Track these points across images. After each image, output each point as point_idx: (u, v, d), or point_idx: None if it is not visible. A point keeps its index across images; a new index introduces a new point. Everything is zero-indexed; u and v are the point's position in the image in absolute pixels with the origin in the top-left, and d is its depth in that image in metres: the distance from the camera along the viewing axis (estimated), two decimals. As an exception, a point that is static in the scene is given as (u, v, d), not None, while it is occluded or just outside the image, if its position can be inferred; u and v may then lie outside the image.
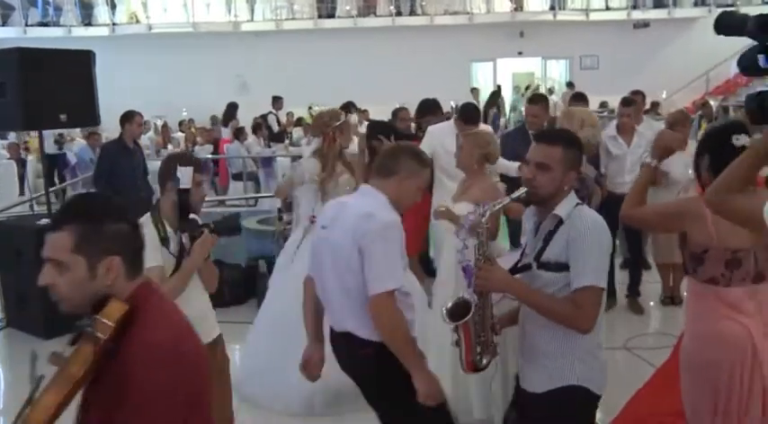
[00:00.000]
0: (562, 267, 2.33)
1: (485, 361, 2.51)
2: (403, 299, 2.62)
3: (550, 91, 17.20)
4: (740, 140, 2.56)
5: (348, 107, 7.81)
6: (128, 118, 6.04)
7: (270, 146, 12.38)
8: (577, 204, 2.41)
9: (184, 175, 2.83)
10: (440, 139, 5.25)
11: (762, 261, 2.55)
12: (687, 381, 2.71)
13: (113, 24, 17.29)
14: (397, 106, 7.32)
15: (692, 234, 2.61)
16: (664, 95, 16.76)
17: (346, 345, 2.70)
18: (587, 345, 2.38)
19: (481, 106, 15.86)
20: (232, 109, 13.99)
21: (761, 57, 1.92)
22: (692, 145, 5.63)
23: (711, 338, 2.58)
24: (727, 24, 2.08)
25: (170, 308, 1.73)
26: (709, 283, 2.59)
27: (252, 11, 17.94)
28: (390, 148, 2.95)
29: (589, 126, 4.01)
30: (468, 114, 5.23)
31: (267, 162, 11.40)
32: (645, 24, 18.22)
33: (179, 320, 1.69)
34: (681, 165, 5.46)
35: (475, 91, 16.94)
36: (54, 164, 11.34)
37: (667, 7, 18.29)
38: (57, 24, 17.21)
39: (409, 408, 2.60)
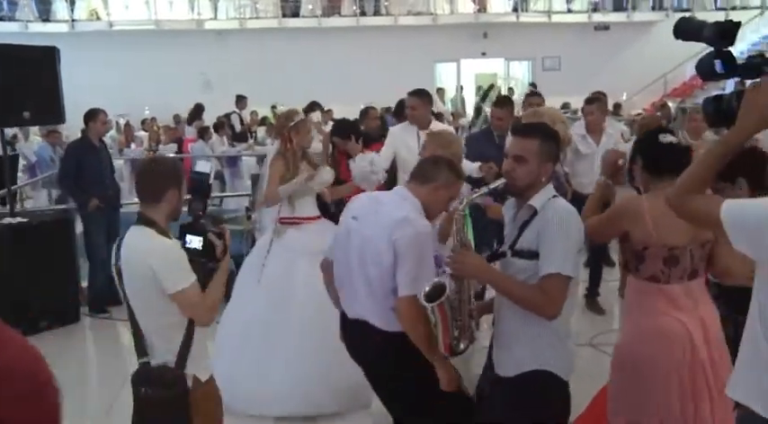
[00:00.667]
0: (534, 255, 2.42)
1: (462, 346, 2.61)
2: None
3: (510, 90, 17.38)
4: (666, 138, 2.73)
5: (312, 106, 7.82)
6: (92, 116, 5.97)
7: (234, 146, 12.31)
8: (554, 196, 2.50)
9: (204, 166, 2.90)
10: (402, 139, 5.29)
11: (697, 259, 2.68)
12: (622, 380, 2.75)
13: (73, 21, 16.97)
14: (362, 106, 7.36)
15: (633, 233, 2.69)
16: (624, 97, 17.11)
17: (360, 332, 2.83)
18: (557, 331, 2.47)
19: (445, 106, 15.99)
20: (198, 109, 13.88)
21: (717, 63, 2.01)
22: None
23: (650, 334, 2.65)
24: (685, 30, 2.17)
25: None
26: (650, 280, 2.68)
27: (215, 9, 17.79)
28: (433, 157, 3.07)
29: (560, 122, 4.09)
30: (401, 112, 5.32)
31: (232, 161, 11.33)
32: (605, 27, 18.59)
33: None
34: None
35: (440, 91, 17.05)
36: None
37: (627, 11, 18.67)
38: (12, 19, 16.81)
39: (419, 394, 2.76)
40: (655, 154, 2.73)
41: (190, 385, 2.62)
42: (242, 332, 4.33)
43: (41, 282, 5.44)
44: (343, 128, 5.26)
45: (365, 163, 4.49)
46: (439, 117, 5.99)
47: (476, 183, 4.39)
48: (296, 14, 17.94)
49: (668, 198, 2.03)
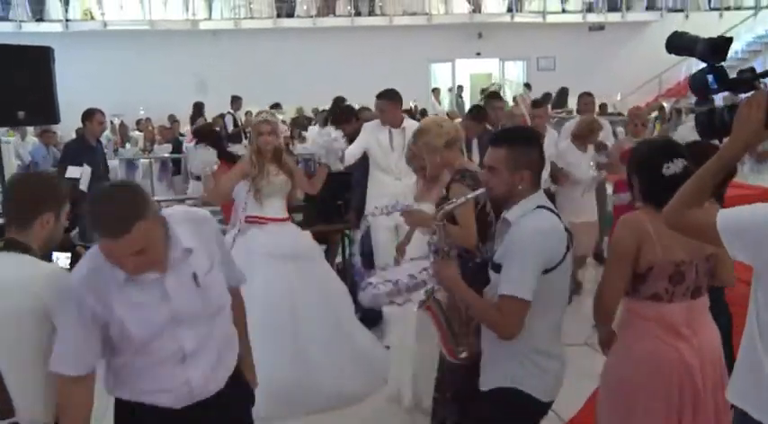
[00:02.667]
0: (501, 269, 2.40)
1: (463, 354, 2.63)
2: None
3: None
4: (670, 168, 2.48)
5: (275, 107, 7.89)
6: (88, 115, 5.96)
7: (228, 147, 12.27)
8: (537, 207, 2.42)
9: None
10: (374, 135, 5.36)
11: (701, 273, 2.53)
12: (610, 402, 2.63)
13: (67, 20, 16.91)
14: (357, 106, 7.36)
15: (640, 255, 2.50)
16: (618, 97, 17.14)
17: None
18: (523, 349, 2.41)
19: (441, 106, 15.99)
20: (198, 108, 13.84)
21: (710, 78, 2.04)
22: (591, 148, 6.04)
23: (642, 360, 2.50)
24: (678, 45, 2.22)
25: None
26: (652, 300, 2.51)
27: (210, 9, 17.75)
28: None
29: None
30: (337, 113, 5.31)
31: (227, 161, 11.27)
32: (600, 27, 18.63)
33: None
34: (584, 166, 5.97)
35: (436, 91, 17.07)
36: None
37: (621, 11, 18.71)
38: (6, 19, 16.74)
39: None
40: (658, 187, 2.48)
41: None
42: None
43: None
44: (342, 116, 5.29)
45: (323, 136, 4.50)
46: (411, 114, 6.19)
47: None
48: (290, 15, 17.92)
49: (665, 215, 2.01)
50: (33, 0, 16.86)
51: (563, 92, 15.42)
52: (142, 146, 13.85)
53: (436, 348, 2.99)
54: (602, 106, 14.56)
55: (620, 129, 10.66)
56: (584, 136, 6.03)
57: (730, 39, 2.12)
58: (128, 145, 13.99)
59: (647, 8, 18.91)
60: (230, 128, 13.40)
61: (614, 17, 18.70)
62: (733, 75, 2.01)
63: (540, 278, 2.31)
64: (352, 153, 5.18)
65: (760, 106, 1.83)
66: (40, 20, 16.83)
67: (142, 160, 12.80)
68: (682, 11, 18.68)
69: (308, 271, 4.40)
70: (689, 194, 1.96)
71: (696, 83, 2.10)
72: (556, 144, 6.21)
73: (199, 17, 17.52)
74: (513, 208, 2.43)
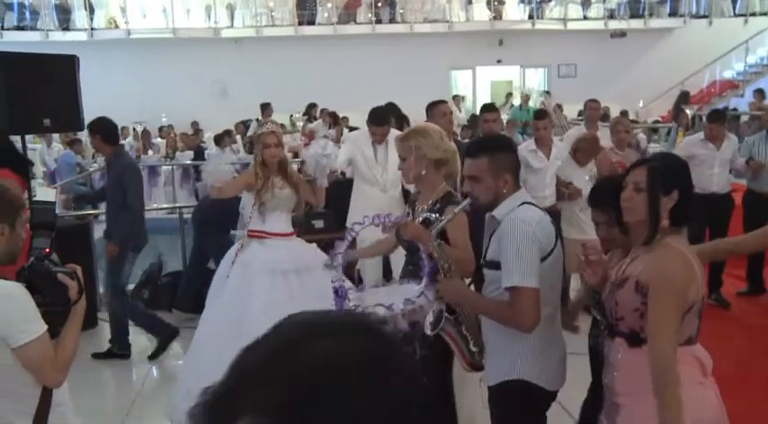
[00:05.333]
0: (498, 265, 2.47)
1: (483, 360, 2.69)
2: None
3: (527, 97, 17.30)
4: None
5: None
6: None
7: (251, 153, 12.36)
8: (521, 204, 2.52)
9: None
10: (359, 147, 5.29)
11: None
12: None
13: (92, 29, 17.15)
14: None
15: (687, 293, 2.20)
16: (640, 104, 17.02)
17: None
18: (529, 341, 2.49)
19: (461, 114, 15.95)
20: (266, 108, 13.56)
21: None
22: (590, 163, 5.80)
23: (697, 411, 2.16)
24: None
25: None
26: (686, 344, 2.23)
27: (232, 17, 17.91)
28: None
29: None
30: (375, 116, 5.26)
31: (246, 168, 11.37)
32: (622, 34, 18.49)
33: None
34: (581, 181, 5.74)
35: (457, 98, 17.04)
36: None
37: (643, 17, 18.58)
38: (34, 28, 17.03)
39: None
40: (689, 204, 2.28)
41: None
42: (198, 345, 4.29)
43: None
44: (379, 116, 5.25)
45: (318, 147, 4.40)
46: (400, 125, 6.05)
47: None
48: (312, 22, 18.02)
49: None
50: (60, 9, 17.14)
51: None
52: (164, 153, 14.00)
53: None
54: (623, 113, 14.45)
55: (641, 136, 10.56)
56: (585, 151, 5.75)
57: None
58: (150, 152, 14.15)
59: (670, 14, 18.74)
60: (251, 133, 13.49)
61: (636, 24, 18.56)
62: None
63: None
64: (339, 163, 5.08)
65: None
66: (67, 29, 17.09)
67: (164, 167, 12.94)
68: (706, 17, 18.48)
69: (312, 285, 4.23)
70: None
71: None
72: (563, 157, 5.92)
73: (221, 25, 17.68)
74: (500, 206, 2.53)
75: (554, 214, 3.46)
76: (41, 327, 2.11)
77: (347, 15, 18.13)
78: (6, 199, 2.24)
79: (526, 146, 5.84)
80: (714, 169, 6.05)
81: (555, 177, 5.74)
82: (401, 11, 18.19)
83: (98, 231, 6.33)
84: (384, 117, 5.35)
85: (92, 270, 6.03)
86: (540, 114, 6.07)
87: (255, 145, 4.38)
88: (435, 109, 5.37)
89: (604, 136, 6.40)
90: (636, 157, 6.21)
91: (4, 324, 2.05)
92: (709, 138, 6.18)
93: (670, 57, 17.58)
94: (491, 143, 2.74)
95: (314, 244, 4.54)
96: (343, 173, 5.61)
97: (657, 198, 2.21)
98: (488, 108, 6.24)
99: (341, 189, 5.61)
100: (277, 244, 4.28)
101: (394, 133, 5.22)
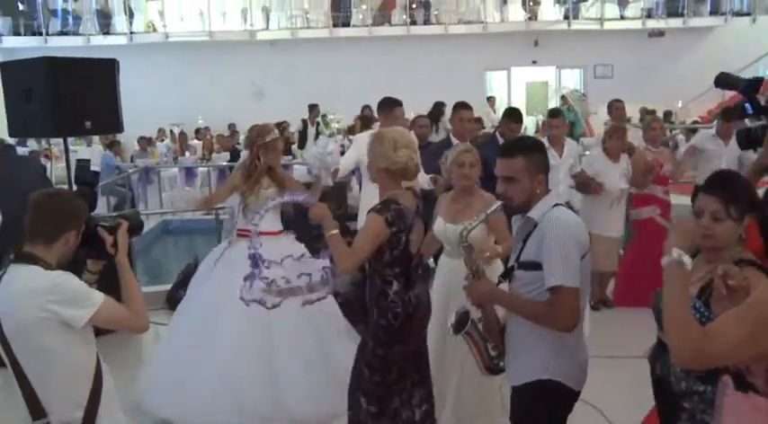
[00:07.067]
0: (537, 266, 2.47)
1: (502, 364, 2.71)
2: None
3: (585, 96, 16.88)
4: None
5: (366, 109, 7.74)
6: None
7: (288, 153, 12.47)
8: (555, 205, 2.53)
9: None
10: (366, 148, 5.27)
11: None
12: None
13: (131, 33, 17.48)
14: (412, 114, 7.39)
15: None
16: (679, 104, 16.72)
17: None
18: (561, 342, 2.50)
19: (495, 115, 15.85)
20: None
21: (747, 106, 3.05)
22: (623, 159, 5.83)
23: None
24: (725, 82, 3.23)
25: None
26: None
27: (267, 20, 18.08)
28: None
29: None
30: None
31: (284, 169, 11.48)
32: (660, 33, 18.20)
33: None
34: (615, 176, 5.79)
35: (491, 99, 16.96)
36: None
37: (683, 16, 18.26)
38: (76, 33, 17.43)
39: None
40: None
41: None
42: (181, 339, 4.33)
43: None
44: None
45: (319, 147, 4.36)
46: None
47: (427, 196, 4.33)
48: (346, 24, 18.10)
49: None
50: (101, 15, 17.51)
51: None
52: (201, 155, 14.18)
53: None
54: (667, 114, 14.23)
55: (680, 137, 10.42)
56: (612, 142, 5.80)
57: (762, 79, 3.06)
58: (187, 154, 14.35)
59: (711, 12, 18.39)
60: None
61: (675, 23, 18.26)
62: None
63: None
64: (346, 165, 5.03)
65: None
66: (107, 33, 17.47)
67: (201, 168, 13.12)
68: (749, 14, 18.10)
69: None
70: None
71: (737, 109, 3.12)
72: (576, 155, 6.02)
73: (256, 27, 17.87)
74: (535, 208, 2.53)
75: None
76: (98, 296, 2.34)
77: (382, 17, 18.18)
78: (76, 208, 2.42)
79: None
80: (722, 164, 6.02)
81: (567, 175, 5.84)
82: (436, 12, 18.17)
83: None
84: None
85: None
86: (554, 113, 6.19)
87: (260, 150, 4.34)
88: (457, 113, 5.55)
89: (635, 137, 6.41)
90: (670, 155, 6.24)
91: (70, 310, 2.25)
92: (719, 134, 6.30)
93: (710, 56, 17.23)
94: (527, 143, 2.74)
95: (302, 244, 4.44)
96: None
97: None
98: (554, 113, 6.18)
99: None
100: (264, 244, 4.16)
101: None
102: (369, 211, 3.09)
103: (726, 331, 1.76)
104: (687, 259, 1.89)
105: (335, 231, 2.97)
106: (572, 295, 2.40)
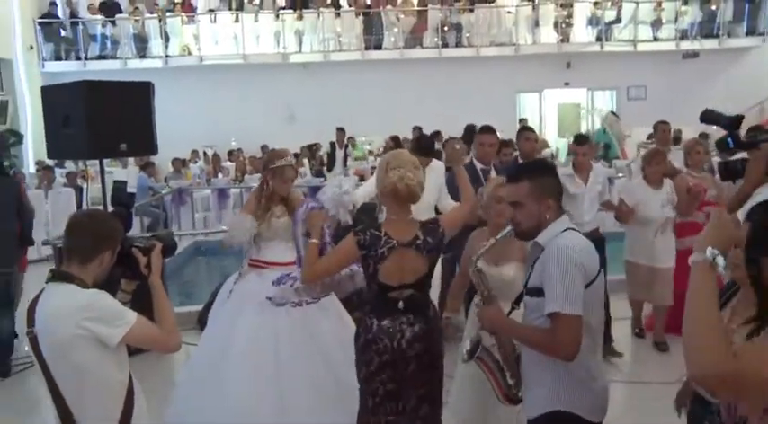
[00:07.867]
0: (541, 292, 2.41)
1: (521, 394, 2.67)
2: None
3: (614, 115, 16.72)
4: None
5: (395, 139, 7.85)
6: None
7: (318, 175, 12.56)
8: (565, 230, 2.47)
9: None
10: None
11: None
12: None
13: (167, 56, 17.83)
14: (445, 137, 7.40)
15: None
16: (714, 127, 16.45)
17: None
18: (574, 373, 2.41)
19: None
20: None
21: (729, 140, 3.34)
22: (666, 185, 5.59)
23: None
24: (708, 118, 3.55)
25: None
26: None
27: (300, 43, 18.29)
28: None
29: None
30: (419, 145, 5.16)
31: (314, 191, 11.55)
32: (694, 54, 17.99)
33: None
34: (657, 204, 5.52)
35: (523, 121, 16.89)
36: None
37: (718, 37, 18.03)
38: (114, 57, 17.84)
39: None
40: None
41: None
42: (191, 371, 4.30)
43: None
44: (425, 146, 5.20)
45: (333, 187, 4.31)
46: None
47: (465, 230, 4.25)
48: (378, 47, 18.23)
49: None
50: (138, 39, 17.90)
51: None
52: (233, 176, 14.33)
53: None
54: (702, 136, 13.99)
55: (716, 159, 10.23)
56: (652, 169, 5.57)
57: (742, 117, 3.42)
58: (220, 175, 14.51)
59: (748, 33, 18.13)
60: (324, 158, 13.70)
61: (710, 44, 18.04)
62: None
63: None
64: (365, 193, 4.87)
65: (761, 160, 3.13)
66: (144, 57, 17.83)
67: (233, 189, 13.25)
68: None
69: (299, 319, 4.09)
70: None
71: (720, 143, 3.40)
72: (604, 181, 5.68)
73: (289, 50, 18.08)
74: (543, 233, 2.48)
75: (596, 240, 3.41)
76: (132, 315, 2.37)
77: (413, 40, 18.27)
78: (111, 228, 2.50)
79: (563, 172, 5.55)
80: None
81: (595, 202, 5.52)
82: (467, 34, 18.21)
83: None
84: (429, 148, 5.26)
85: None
86: (581, 140, 5.78)
87: (269, 175, 4.23)
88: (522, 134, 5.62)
89: (677, 159, 6.22)
90: (712, 180, 6.01)
91: (104, 328, 2.29)
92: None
93: (747, 77, 17.00)
94: (531, 167, 2.71)
95: None
96: None
97: None
98: (581, 140, 5.79)
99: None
100: (273, 276, 4.14)
101: (437, 166, 5.19)
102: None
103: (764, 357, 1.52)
104: (721, 260, 1.62)
105: (316, 241, 3.16)
106: (571, 322, 2.31)
